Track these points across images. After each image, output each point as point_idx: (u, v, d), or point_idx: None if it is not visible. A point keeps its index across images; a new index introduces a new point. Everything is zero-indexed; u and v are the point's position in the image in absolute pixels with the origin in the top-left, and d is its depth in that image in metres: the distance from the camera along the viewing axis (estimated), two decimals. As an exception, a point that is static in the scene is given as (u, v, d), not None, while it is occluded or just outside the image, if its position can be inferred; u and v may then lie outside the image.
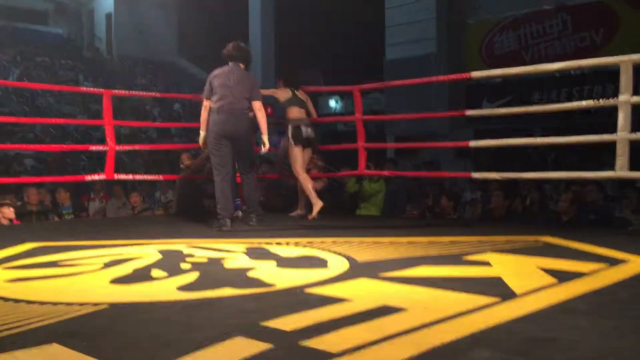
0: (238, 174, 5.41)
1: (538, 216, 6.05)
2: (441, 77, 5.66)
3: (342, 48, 15.72)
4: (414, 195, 7.55)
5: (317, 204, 5.36)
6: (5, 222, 5.78)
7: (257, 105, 4.99)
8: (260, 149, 5.19)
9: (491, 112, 5.58)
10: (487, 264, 3.10)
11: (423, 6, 12.90)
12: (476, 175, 5.34)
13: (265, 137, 5.02)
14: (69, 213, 7.09)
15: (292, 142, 5.52)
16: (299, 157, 5.51)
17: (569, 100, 10.74)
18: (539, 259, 3.19)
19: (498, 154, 10.26)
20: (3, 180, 5.90)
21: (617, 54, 4.45)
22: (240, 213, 5.65)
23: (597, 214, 5.57)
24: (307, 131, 5.60)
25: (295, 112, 5.66)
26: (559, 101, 10.87)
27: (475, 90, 11.92)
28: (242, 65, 5.10)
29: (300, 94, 5.80)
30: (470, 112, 5.35)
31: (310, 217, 5.41)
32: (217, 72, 5.02)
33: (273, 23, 17.25)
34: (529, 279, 2.69)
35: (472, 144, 5.34)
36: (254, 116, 5.01)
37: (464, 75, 5.29)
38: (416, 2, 12.97)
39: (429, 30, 12.89)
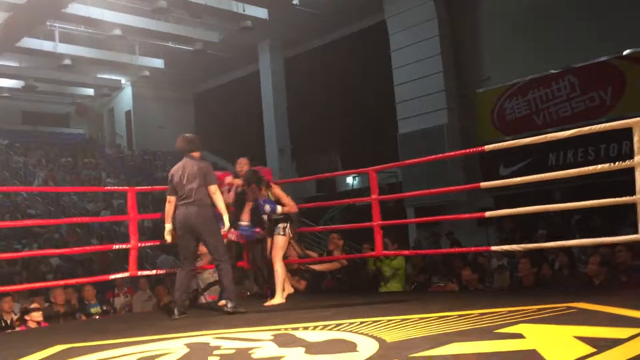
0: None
1: (568, 280, 5.92)
2: (455, 153, 5.71)
3: (356, 125, 16.01)
4: (440, 267, 7.46)
5: (278, 299, 5.51)
6: (33, 325, 5.80)
7: (212, 189, 5.21)
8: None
9: (505, 182, 5.57)
10: (520, 336, 3.02)
11: (431, 80, 13.23)
12: (496, 248, 5.28)
13: (225, 217, 5.22)
14: (97, 311, 7.08)
15: (290, 234, 5.73)
16: (285, 247, 5.73)
17: (586, 159, 10.75)
18: (574, 327, 3.09)
19: (520, 218, 10.18)
20: (30, 286, 6.02)
21: (627, 112, 4.50)
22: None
23: (628, 275, 5.43)
24: None
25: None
26: (575, 161, 10.87)
27: (491, 157, 12.00)
28: (196, 154, 5.33)
29: None
30: (484, 184, 5.34)
31: (265, 303, 5.49)
32: (172, 170, 5.34)
33: (286, 110, 17.71)
34: (566, 350, 2.60)
35: (488, 214, 5.32)
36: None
37: (478, 149, 5.33)
38: (424, 77, 13.30)
39: (438, 102, 13.17)
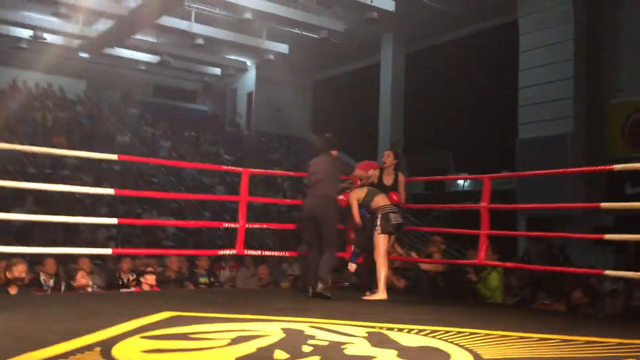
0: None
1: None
2: (579, 169, 5.40)
3: (472, 125, 15.59)
4: (547, 283, 7.12)
5: (381, 295, 5.57)
6: (147, 287, 6.23)
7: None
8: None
9: (628, 206, 5.20)
10: (628, 373, 2.84)
11: (560, 85, 12.55)
12: (610, 273, 4.95)
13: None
14: (205, 281, 7.49)
15: (380, 230, 5.79)
16: (382, 243, 5.76)
17: None
18: (691, 372, 2.86)
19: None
20: (148, 251, 6.50)
21: None
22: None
23: None
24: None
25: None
26: None
27: (618, 173, 11.22)
28: (333, 152, 5.76)
29: None
30: (605, 206, 5.01)
31: (365, 297, 5.63)
32: (311, 162, 5.78)
33: (402, 102, 17.52)
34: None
35: (608, 237, 4.99)
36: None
37: (605, 167, 4.99)
38: (552, 82, 12.65)
39: (566, 109, 12.46)
